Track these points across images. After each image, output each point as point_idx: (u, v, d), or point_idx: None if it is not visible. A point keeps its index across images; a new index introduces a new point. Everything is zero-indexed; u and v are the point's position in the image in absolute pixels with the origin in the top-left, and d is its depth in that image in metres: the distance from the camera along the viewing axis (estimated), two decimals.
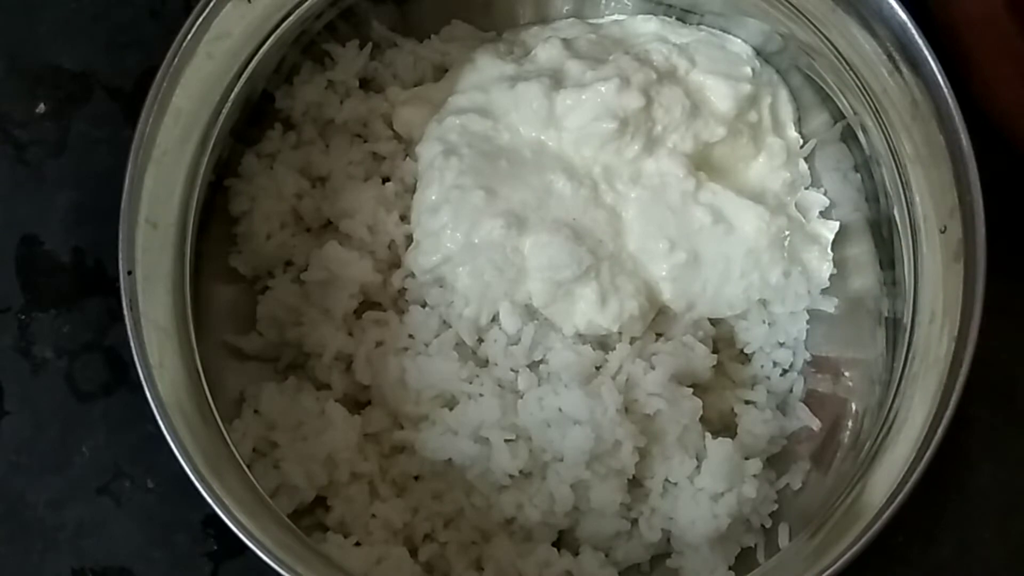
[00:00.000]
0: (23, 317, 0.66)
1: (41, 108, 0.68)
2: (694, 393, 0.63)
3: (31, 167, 0.67)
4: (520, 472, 0.61)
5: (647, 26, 0.70)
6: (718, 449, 0.62)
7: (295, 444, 0.61)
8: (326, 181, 0.66)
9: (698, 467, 0.62)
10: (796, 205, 0.68)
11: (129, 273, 0.54)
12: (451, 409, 0.62)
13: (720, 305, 0.65)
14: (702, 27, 0.69)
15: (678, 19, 0.70)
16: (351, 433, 0.61)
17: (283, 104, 0.66)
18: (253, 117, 0.65)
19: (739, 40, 0.69)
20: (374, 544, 0.60)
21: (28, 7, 0.68)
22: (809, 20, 0.63)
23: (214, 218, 0.64)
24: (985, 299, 0.57)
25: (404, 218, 0.65)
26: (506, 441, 0.60)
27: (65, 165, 0.67)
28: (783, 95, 0.69)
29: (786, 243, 0.66)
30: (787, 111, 0.69)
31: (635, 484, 0.63)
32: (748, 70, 0.67)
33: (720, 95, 0.66)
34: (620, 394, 0.61)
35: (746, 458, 0.63)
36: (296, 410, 0.61)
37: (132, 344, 0.52)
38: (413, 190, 0.65)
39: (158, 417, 0.51)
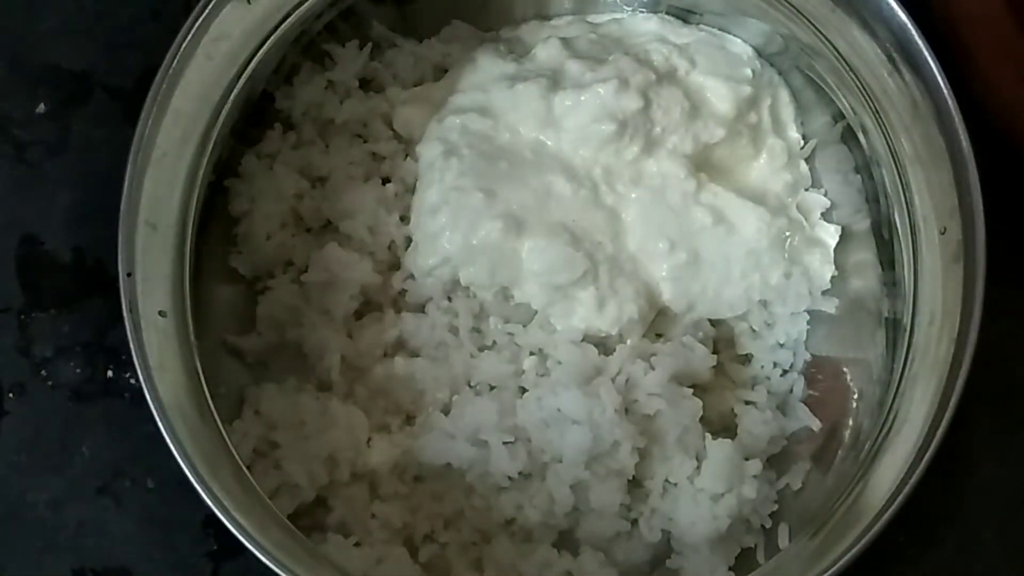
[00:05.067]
0: (23, 317, 0.66)
1: (41, 108, 0.68)
2: (694, 394, 0.63)
3: (31, 167, 0.67)
4: (520, 473, 0.61)
5: (647, 25, 0.70)
6: (718, 450, 0.62)
7: (296, 444, 0.61)
8: (326, 181, 0.66)
9: (698, 468, 0.62)
10: (797, 206, 0.68)
11: (129, 275, 0.54)
12: (448, 412, 0.62)
13: (720, 306, 0.65)
14: (702, 27, 0.69)
15: (678, 18, 0.70)
16: (352, 432, 0.61)
17: (283, 104, 0.66)
18: (253, 117, 0.65)
19: (739, 40, 0.69)
20: (374, 544, 0.60)
21: (28, 7, 0.68)
22: (809, 20, 0.63)
23: (214, 218, 0.64)
24: (985, 299, 0.57)
25: (404, 219, 0.65)
26: (504, 443, 0.60)
27: (65, 165, 0.67)
28: (784, 96, 0.69)
29: (787, 244, 0.66)
30: (788, 112, 0.69)
31: (635, 485, 0.63)
32: (748, 71, 0.67)
33: (720, 96, 0.66)
34: (619, 394, 0.61)
35: (746, 459, 0.63)
36: (297, 410, 0.61)
37: (132, 345, 0.52)
38: (413, 190, 0.65)
39: (157, 418, 0.51)
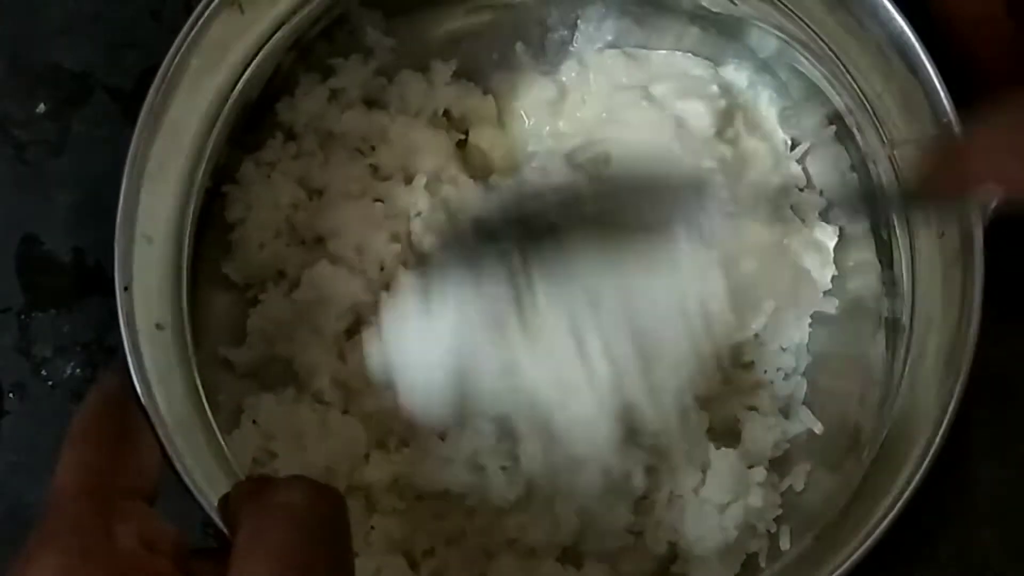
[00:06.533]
0: (23, 317, 0.66)
1: (41, 108, 0.68)
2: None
3: (31, 167, 0.67)
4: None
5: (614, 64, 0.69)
6: (722, 460, 0.62)
7: (295, 454, 0.61)
8: (322, 195, 0.65)
9: (703, 479, 0.62)
10: (793, 208, 0.67)
11: (125, 289, 0.53)
12: (445, 436, 0.62)
13: (741, 329, 0.65)
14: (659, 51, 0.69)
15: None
16: (350, 445, 0.61)
17: (285, 116, 0.66)
18: (252, 124, 0.64)
19: (702, 59, 0.69)
20: (372, 555, 0.60)
21: (28, 7, 0.68)
22: (805, 21, 0.63)
23: (211, 224, 0.63)
24: (984, 300, 0.57)
25: (395, 237, 0.64)
26: (503, 468, 0.60)
27: (65, 165, 0.67)
28: (762, 100, 0.68)
29: (788, 247, 0.66)
30: (770, 115, 0.68)
31: (640, 497, 0.63)
32: (715, 87, 0.67)
33: (698, 115, 0.65)
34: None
35: (750, 466, 0.63)
36: (295, 421, 0.61)
37: (129, 359, 0.52)
38: (405, 212, 0.65)
39: (158, 432, 0.51)
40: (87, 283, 0.66)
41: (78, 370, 0.65)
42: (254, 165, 0.65)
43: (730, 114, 0.67)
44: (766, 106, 0.69)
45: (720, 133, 0.66)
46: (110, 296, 0.60)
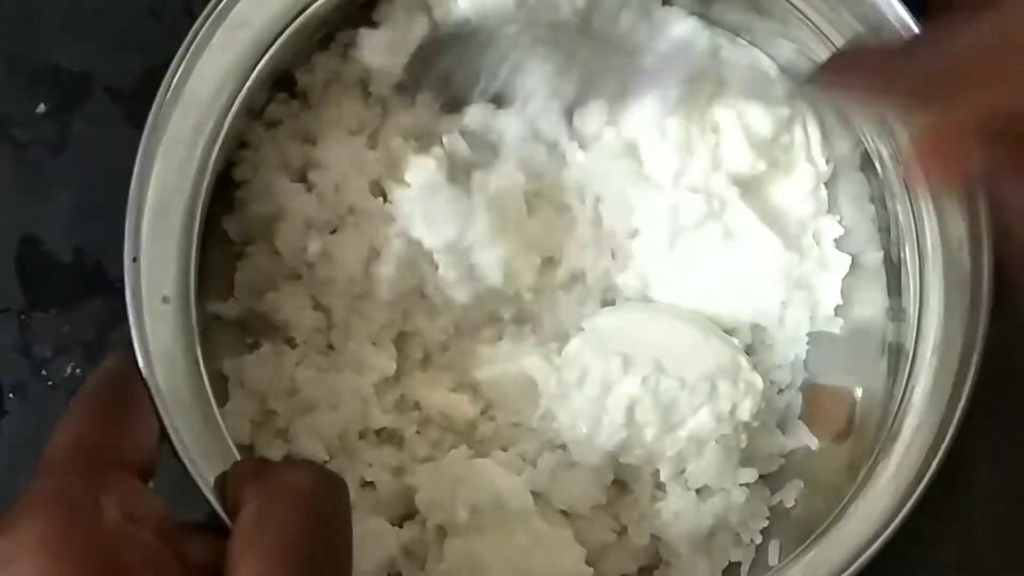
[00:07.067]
0: (23, 317, 0.66)
1: (41, 108, 0.68)
2: None
3: (31, 167, 0.67)
4: None
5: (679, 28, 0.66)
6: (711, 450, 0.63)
7: (294, 409, 0.61)
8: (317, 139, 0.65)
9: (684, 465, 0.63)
10: (812, 234, 0.67)
11: (134, 260, 0.53)
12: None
13: (708, 304, 0.65)
14: (733, 37, 0.66)
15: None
16: (338, 386, 0.62)
17: (301, 80, 0.65)
18: (272, 99, 0.64)
19: (764, 56, 0.66)
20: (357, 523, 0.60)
21: (28, 7, 0.68)
22: (833, 42, 0.61)
23: (221, 198, 0.63)
24: (985, 300, 0.57)
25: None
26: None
27: (65, 165, 0.67)
28: (811, 119, 0.67)
29: (794, 275, 0.66)
30: (815, 137, 0.67)
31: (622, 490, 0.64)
32: (780, 91, 0.65)
33: (758, 122, 0.64)
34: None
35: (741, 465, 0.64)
36: (282, 374, 0.62)
37: (133, 332, 0.52)
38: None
39: (160, 408, 0.51)
40: (87, 283, 0.66)
41: (78, 370, 0.65)
42: (263, 128, 0.64)
43: (790, 122, 0.66)
44: (813, 127, 0.67)
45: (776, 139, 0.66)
46: (111, 296, 0.61)
